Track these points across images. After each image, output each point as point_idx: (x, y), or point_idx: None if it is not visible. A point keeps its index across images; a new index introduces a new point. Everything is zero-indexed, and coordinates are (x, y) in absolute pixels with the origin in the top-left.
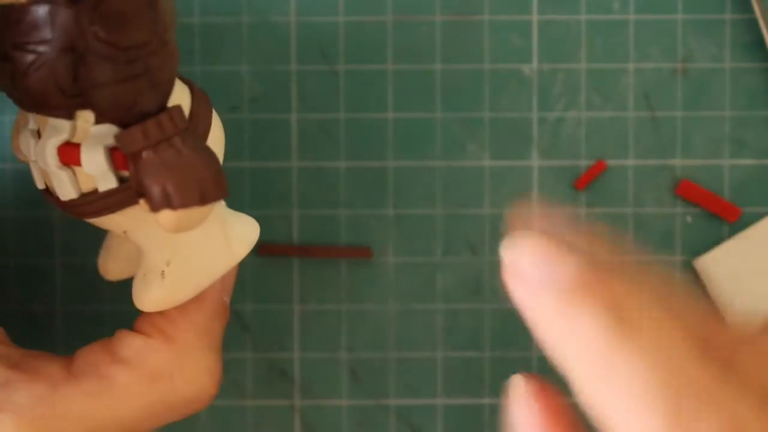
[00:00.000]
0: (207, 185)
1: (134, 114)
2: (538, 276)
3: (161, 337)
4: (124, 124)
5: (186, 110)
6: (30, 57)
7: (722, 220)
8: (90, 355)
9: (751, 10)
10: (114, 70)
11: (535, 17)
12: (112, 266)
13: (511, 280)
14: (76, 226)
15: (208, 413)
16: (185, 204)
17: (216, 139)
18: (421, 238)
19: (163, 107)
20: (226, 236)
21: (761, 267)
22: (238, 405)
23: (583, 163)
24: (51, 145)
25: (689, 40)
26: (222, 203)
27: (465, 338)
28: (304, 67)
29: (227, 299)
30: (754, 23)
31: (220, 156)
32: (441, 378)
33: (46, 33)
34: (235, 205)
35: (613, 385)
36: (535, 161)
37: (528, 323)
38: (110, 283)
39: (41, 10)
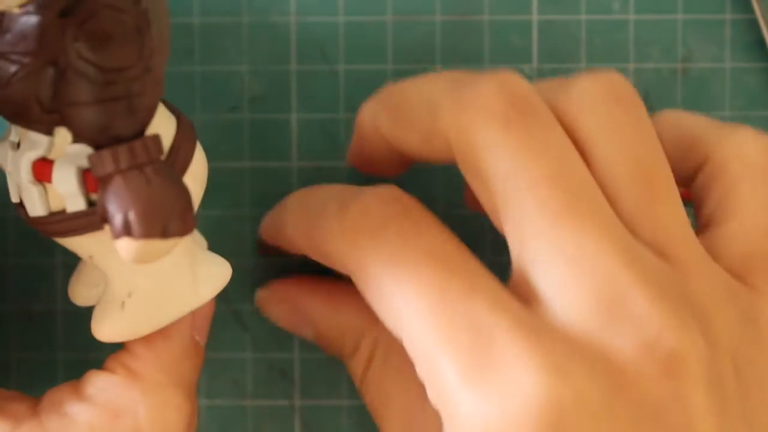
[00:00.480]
0: (172, 219)
1: (109, 137)
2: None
3: (125, 373)
4: (99, 147)
5: (168, 140)
6: (13, 67)
7: None
8: (56, 394)
9: (751, 10)
10: (92, 90)
11: (535, 17)
12: (80, 290)
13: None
14: None
15: (207, 413)
16: (145, 235)
17: (196, 174)
18: None
19: (140, 134)
20: (195, 274)
21: None
22: (238, 405)
23: None
24: (27, 158)
25: (689, 40)
26: (196, 241)
27: None
28: (304, 67)
29: (200, 339)
30: (754, 23)
31: (200, 191)
32: None
33: (32, 44)
34: (235, 205)
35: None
36: None
37: None
38: None
39: (30, 21)
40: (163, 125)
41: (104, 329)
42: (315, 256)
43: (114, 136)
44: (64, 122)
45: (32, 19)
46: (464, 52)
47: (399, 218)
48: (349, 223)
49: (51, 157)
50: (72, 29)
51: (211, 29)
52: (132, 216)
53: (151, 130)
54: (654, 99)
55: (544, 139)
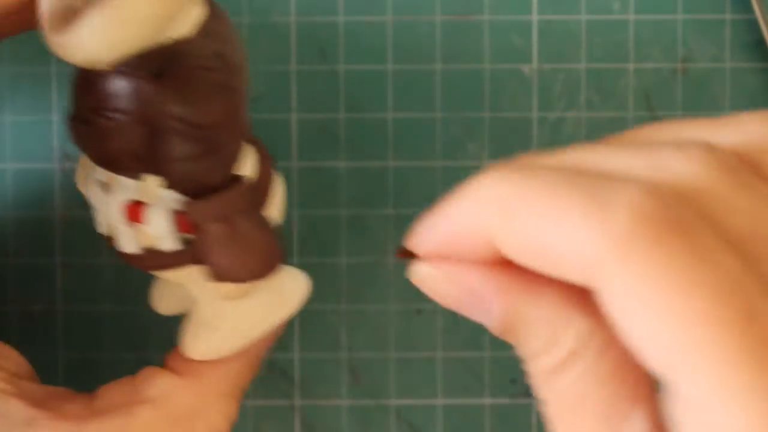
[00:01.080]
0: (268, 261)
1: (203, 187)
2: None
3: (192, 379)
4: (192, 194)
5: (253, 170)
6: (107, 123)
7: None
8: (114, 392)
9: (751, 10)
10: (188, 146)
11: (535, 17)
12: (165, 303)
13: (419, 247)
14: (76, 226)
15: None
16: (247, 279)
17: (278, 198)
18: None
19: (230, 178)
20: (278, 291)
21: None
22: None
23: None
24: (118, 201)
25: (689, 40)
26: None
27: (465, 338)
28: (304, 67)
29: (263, 353)
30: (754, 23)
31: (282, 212)
32: (441, 378)
33: (125, 103)
34: None
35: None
36: None
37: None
38: (110, 283)
39: (123, 81)
40: (247, 158)
41: (199, 349)
42: (533, 262)
43: (207, 186)
44: (156, 172)
45: (126, 80)
46: (464, 52)
47: (683, 231)
48: (617, 230)
49: (142, 199)
50: (168, 92)
51: None
52: (235, 263)
53: (239, 165)
54: (654, 99)
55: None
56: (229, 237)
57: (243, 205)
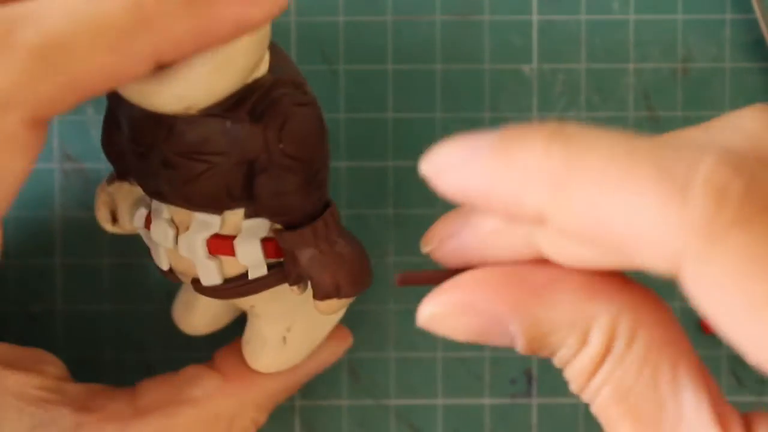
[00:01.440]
0: (366, 276)
1: (304, 216)
2: (461, 157)
3: (238, 385)
4: (283, 221)
5: None
6: (201, 166)
7: None
8: (157, 391)
9: (751, 10)
10: (291, 181)
11: (535, 17)
12: (197, 322)
13: (440, 180)
14: (76, 227)
15: None
16: (352, 294)
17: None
18: (421, 238)
19: (322, 202)
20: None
21: None
22: None
23: None
24: (201, 238)
25: (689, 40)
26: None
27: None
28: (304, 67)
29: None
30: (754, 23)
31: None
32: (441, 378)
33: (221, 146)
34: None
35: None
36: None
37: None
38: (110, 283)
39: (214, 124)
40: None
41: (268, 363)
42: (590, 243)
43: (307, 215)
44: (249, 206)
45: (222, 123)
46: (464, 52)
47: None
48: (700, 215)
49: (223, 232)
50: (273, 132)
51: None
52: (342, 280)
53: None
54: (654, 99)
55: None
56: (328, 258)
57: (337, 228)
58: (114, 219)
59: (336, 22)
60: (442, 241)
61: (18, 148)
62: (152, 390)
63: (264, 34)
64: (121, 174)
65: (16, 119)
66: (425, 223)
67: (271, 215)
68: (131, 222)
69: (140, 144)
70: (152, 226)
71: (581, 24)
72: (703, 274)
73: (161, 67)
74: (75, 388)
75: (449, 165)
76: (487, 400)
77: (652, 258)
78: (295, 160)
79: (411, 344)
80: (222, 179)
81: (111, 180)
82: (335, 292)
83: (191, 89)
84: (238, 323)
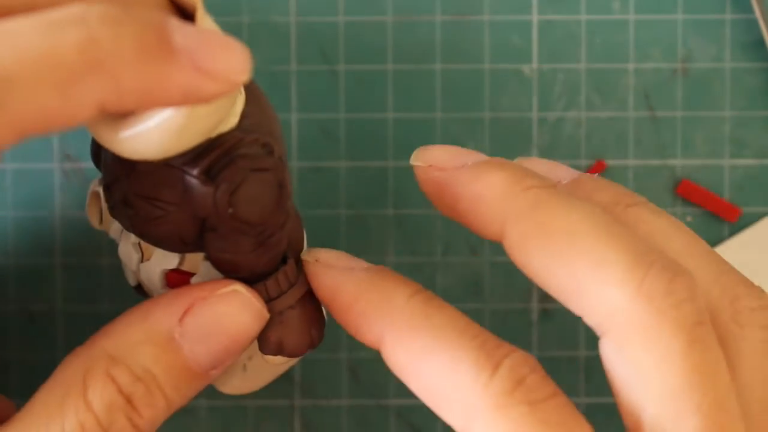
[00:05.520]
0: (315, 336)
1: (254, 276)
2: (453, 162)
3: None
4: (233, 278)
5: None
6: (156, 211)
7: (722, 220)
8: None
9: (751, 10)
10: (240, 243)
11: (535, 17)
12: None
13: (426, 176)
14: (76, 227)
15: (208, 413)
16: (296, 355)
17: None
18: (421, 238)
19: (276, 261)
20: None
21: (761, 267)
22: (238, 405)
23: (583, 163)
24: (160, 271)
25: (689, 40)
26: None
27: None
28: (304, 67)
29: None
30: (754, 23)
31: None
32: None
33: (175, 197)
34: None
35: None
36: None
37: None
38: (110, 283)
39: (173, 176)
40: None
41: (229, 387)
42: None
43: (258, 274)
44: (201, 251)
45: (177, 175)
46: (464, 52)
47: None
48: (498, 388)
49: (183, 268)
50: (224, 195)
51: None
52: (286, 341)
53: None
54: (654, 99)
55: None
56: (274, 319)
57: (289, 285)
58: (101, 219)
59: (336, 22)
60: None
61: None
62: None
63: (229, 98)
64: None
65: None
66: (425, 223)
67: (219, 269)
68: (111, 226)
69: (109, 174)
70: (120, 245)
71: (581, 24)
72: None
73: (116, 115)
74: None
75: (437, 163)
76: None
77: (449, 411)
78: (245, 224)
79: None
80: (176, 227)
81: (101, 181)
82: (278, 350)
83: (143, 146)
84: None
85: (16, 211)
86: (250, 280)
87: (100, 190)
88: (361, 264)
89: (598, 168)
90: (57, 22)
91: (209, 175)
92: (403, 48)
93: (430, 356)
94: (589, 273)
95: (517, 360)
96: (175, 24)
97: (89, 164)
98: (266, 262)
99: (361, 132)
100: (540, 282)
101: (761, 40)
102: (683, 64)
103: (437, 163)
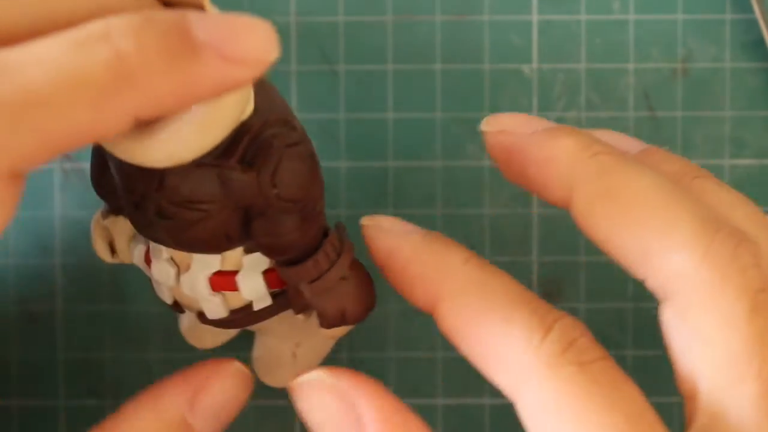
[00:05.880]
0: (371, 299)
1: (303, 253)
2: (523, 128)
3: None
4: (283, 260)
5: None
6: (197, 215)
7: None
8: None
9: (751, 10)
10: (288, 222)
11: (535, 17)
12: (206, 337)
13: (496, 141)
14: (76, 227)
15: None
16: (358, 320)
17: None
18: None
19: (321, 235)
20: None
21: None
22: None
23: None
24: (203, 277)
25: (689, 40)
26: None
27: None
28: (304, 67)
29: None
30: (754, 23)
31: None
32: (441, 378)
33: (215, 194)
34: None
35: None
36: None
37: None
38: (110, 283)
39: (206, 174)
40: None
41: (280, 378)
42: (466, 350)
43: (306, 251)
44: (247, 245)
45: (212, 172)
46: (464, 52)
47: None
48: (549, 348)
49: (225, 269)
50: (266, 178)
51: None
52: (348, 308)
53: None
54: (654, 99)
55: None
56: (331, 288)
57: (337, 255)
58: (113, 250)
59: (336, 22)
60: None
61: None
62: None
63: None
64: (115, 209)
65: None
66: (425, 223)
67: (269, 254)
68: (130, 256)
69: (133, 193)
70: (153, 265)
71: (581, 24)
72: (531, 395)
73: (144, 124)
74: None
75: (507, 127)
76: (487, 400)
77: (501, 373)
78: (291, 202)
79: (411, 344)
80: (219, 225)
81: (106, 214)
82: (341, 320)
83: (177, 148)
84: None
85: (16, 212)
86: (299, 259)
87: (107, 223)
88: (417, 229)
89: None
90: (83, 42)
91: (247, 163)
92: (403, 48)
93: (484, 318)
94: (656, 236)
95: (568, 324)
96: (193, 18)
97: (89, 164)
98: (313, 235)
99: (361, 132)
100: (606, 246)
101: (761, 40)
102: (683, 64)
103: (510, 126)
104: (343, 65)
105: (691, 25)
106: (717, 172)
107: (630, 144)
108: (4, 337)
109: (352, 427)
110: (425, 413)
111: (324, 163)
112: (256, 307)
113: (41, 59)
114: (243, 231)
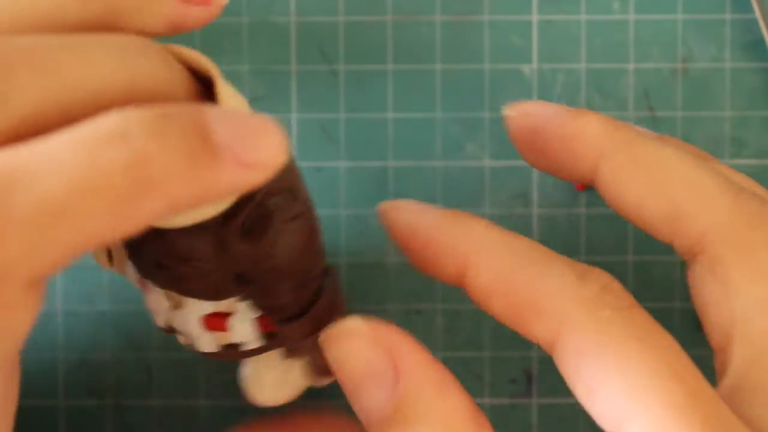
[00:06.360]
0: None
1: (296, 312)
2: (547, 110)
3: None
4: (279, 318)
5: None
6: (192, 270)
7: None
8: None
9: (751, 10)
10: (288, 287)
11: (535, 17)
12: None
13: (520, 122)
14: None
15: (208, 413)
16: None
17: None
18: None
19: (314, 295)
20: None
21: None
22: (239, 405)
23: None
24: (196, 317)
25: (689, 40)
26: None
27: (465, 338)
28: (304, 67)
29: None
30: (754, 23)
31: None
32: None
33: (211, 254)
34: None
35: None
36: None
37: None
38: (110, 283)
39: (205, 236)
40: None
41: (269, 398)
42: (503, 300)
43: (303, 306)
44: (244, 297)
45: (210, 236)
46: (464, 52)
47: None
48: (590, 293)
49: (219, 310)
50: (264, 250)
51: (211, 29)
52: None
53: None
54: (654, 99)
55: None
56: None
57: (328, 317)
58: (110, 257)
59: (336, 22)
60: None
61: (20, 309)
62: None
63: None
64: None
65: (15, 287)
66: None
67: (264, 312)
68: (125, 269)
69: (130, 241)
70: (148, 293)
71: (581, 24)
72: (574, 336)
73: None
74: None
75: (533, 111)
76: (487, 400)
77: (538, 324)
78: (287, 273)
79: None
80: (213, 282)
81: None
82: (326, 370)
83: (181, 218)
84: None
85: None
86: (294, 315)
87: None
88: (434, 207)
89: None
90: (99, 142)
91: (246, 231)
92: (403, 48)
93: (519, 271)
94: (684, 195)
95: (600, 272)
96: (212, 116)
97: None
98: (309, 294)
99: (361, 132)
100: (632, 213)
101: (761, 40)
102: (683, 64)
103: (533, 110)
104: (343, 65)
105: (691, 25)
106: None
107: (644, 132)
108: None
109: (387, 376)
110: None
111: (324, 163)
112: (244, 348)
113: (58, 166)
114: (237, 288)
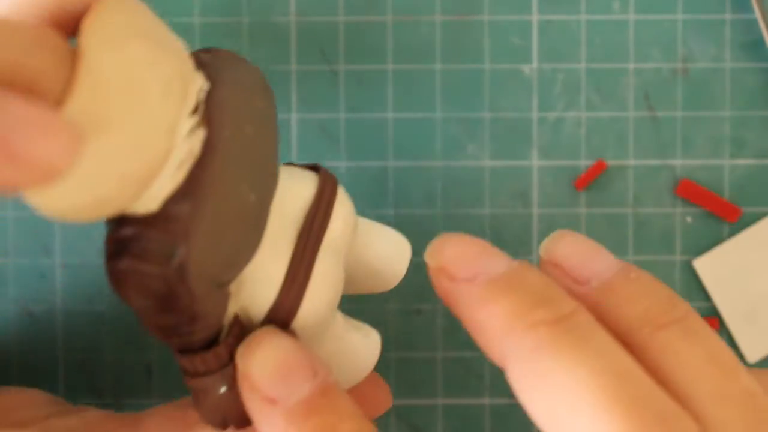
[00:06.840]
0: (229, 419)
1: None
2: (465, 270)
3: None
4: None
5: (305, 203)
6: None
7: (722, 220)
8: (163, 426)
9: (751, 10)
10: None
11: (535, 17)
12: None
13: (436, 280)
14: (76, 227)
15: None
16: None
17: (342, 212)
18: (421, 237)
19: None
20: (359, 338)
21: (761, 267)
22: None
23: (583, 163)
24: None
25: (689, 40)
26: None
27: (465, 338)
28: (304, 67)
29: None
30: (754, 23)
31: (348, 223)
32: (441, 378)
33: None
34: None
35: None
36: (535, 161)
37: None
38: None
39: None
40: (299, 190)
41: None
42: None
43: (203, 339)
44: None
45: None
46: (464, 52)
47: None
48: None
49: None
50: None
51: (211, 29)
52: (200, 413)
53: (290, 195)
54: (654, 99)
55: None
56: (206, 392)
57: (209, 371)
58: None
59: (336, 22)
60: (442, 274)
61: None
62: (157, 420)
63: (133, 174)
64: None
65: None
66: (425, 223)
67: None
68: None
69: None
70: None
71: (581, 24)
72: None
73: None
74: (69, 424)
75: (448, 266)
76: (487, 400)
77: (489, 341)
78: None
79: (411, 344)
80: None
81: None
82: (221, 425)
83: (65, 201)
84: None
85: (16, 211)
86: (192, 348)
87: None
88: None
89: (598, 168)
90: None
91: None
92: (403, 48)
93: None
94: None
95: (532, 278)
96: None
97: None
98: (183, 343)
99: (361, 132)
100: (540, 420)
101: (761, 40)
102: (683, 64)
103: (449, 266)
104: (343, 65)
105: (691, 25)
106: (717, 172)
107: (598, 265)
108: (4, 337)
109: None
110: (425, 413)
111: (324, 163)
112: None
113: None
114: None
